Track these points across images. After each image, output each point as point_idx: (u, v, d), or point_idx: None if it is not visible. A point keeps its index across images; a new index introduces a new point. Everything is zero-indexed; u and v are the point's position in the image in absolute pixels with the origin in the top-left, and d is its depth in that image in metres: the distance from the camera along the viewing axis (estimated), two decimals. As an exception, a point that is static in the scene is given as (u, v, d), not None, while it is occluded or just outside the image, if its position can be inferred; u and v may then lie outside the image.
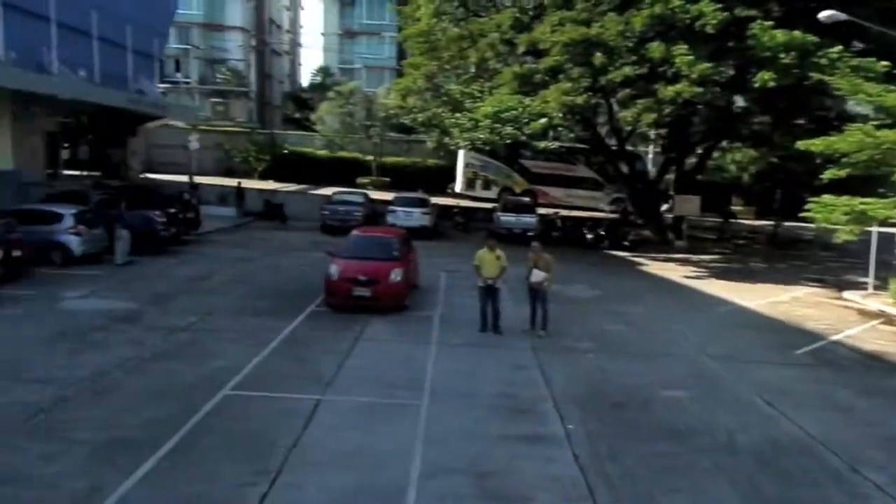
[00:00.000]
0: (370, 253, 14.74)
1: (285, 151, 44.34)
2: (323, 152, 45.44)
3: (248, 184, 35.01)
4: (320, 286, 14.35)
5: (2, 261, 13.62)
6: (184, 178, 33.23)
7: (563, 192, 36.75)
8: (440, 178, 42.88)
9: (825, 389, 10.56)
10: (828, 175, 16.83)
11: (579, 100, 20.49)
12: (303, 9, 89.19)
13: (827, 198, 16.75)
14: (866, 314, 17.01)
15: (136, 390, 8.90)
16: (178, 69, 57.97)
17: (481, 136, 22.30)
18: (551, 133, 22.14)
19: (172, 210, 21.32)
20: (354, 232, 16.62)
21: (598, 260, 24.26)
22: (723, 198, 43.72)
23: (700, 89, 19.07)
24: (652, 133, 37.84)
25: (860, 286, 20.28)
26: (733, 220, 37.07)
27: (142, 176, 34.00)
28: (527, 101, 22.01)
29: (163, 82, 48.79)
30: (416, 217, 26.88)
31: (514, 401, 9.26)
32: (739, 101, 23.97)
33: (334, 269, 14.06)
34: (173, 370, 9.79)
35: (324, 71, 62.71)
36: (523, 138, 21.63)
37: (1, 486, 6.23)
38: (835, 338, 14.20)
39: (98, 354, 10.27)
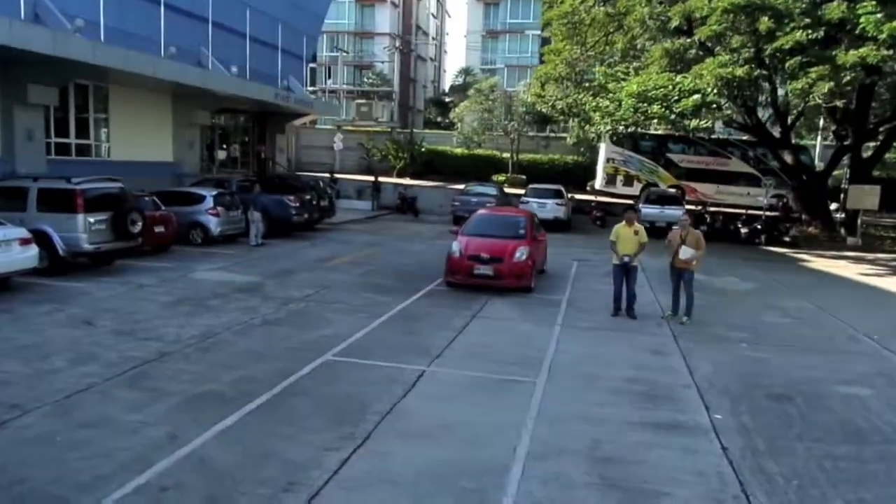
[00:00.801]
0: (495, 231, 13.82)
1: (422, 149, 44.65)
2: (459, 150, 45.27)
3: (385, 180, 35.46)
4: (442, 268, 13.62)
5: (140, 232, 14.11)
6: (325, 175, 34.35)
7: (714, 189, 33.76)
8: (579, 175, 41.20)
9: None
10: None
11: (739, 72, 18.22)
12: (449, 16, 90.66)
13: None
14: None
15: (239, 350, 8.57)
16: (329, 75, 60.97)
17: (624, 116, 20.52)
18: (704, 111, 19.85)
19: (307, 196, 21.65)
20: (480, 210, 15.78)
21: (752, 255, 21.69)
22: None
23: (889, 52, 16.23)
24: (821, 121, 33.85)
25: None
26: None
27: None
28: (678, 78, 20.06)
29: (313, 86, 51.27)
30: (550, 208, 25.67)
31: (649, 386, 7.87)
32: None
33: (456, 246, 13.29)
34: (279, 334, 9.42)
35: (465, 72, 62.98)
36: (672, 117, 19.62)
37: (83, 429, 5.95)
38: None
39: (212, 317, 10.16)
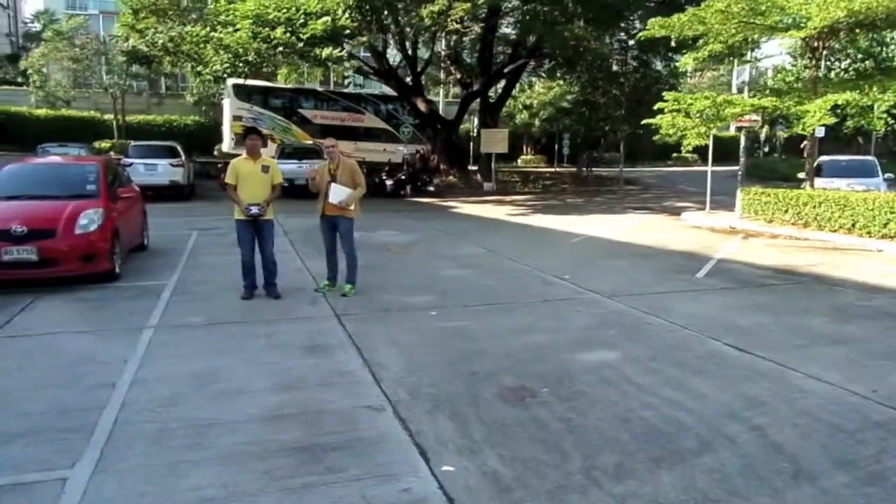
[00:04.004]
0: (41, 189, 8.63)
1: (-17, 111, 33.76)
2: (42, 111, 35.47)
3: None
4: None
5: None
6: None
7: (352, 146, 31.91)
8: (204, 138, 35.82)
9: (789, 319, 6.91)
10: (685, 61, 13.85)
11: (372, -13, 15.57)
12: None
13: (677, 95, 13.73)
14: (721, 231, 14.51)
15: None
16: None
17: (242, 43, 16.19)
18: (339, 48, 16.79)
19: None
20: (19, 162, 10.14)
21: (402, 207, 19.87)
22: (513, 148, 42.36)
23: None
24: (442, 74, 34.38)
25: (688, 209, 18.34)
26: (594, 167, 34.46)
27: None
28: (302, 0, 16.63)
29: None
30: (163, 171, 20.26)
31: (308, 428, 4.18)
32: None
33: (-34, 221, 7.77)
34: None
35: (44, 15, 50.10)
36: (300, 45, 16.04)
37: None
38: (719, 256, 11.09)
39: None
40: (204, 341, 6.01)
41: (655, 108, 13.89)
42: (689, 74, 39.97)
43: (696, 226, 15.57)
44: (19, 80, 46.76)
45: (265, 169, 7.53)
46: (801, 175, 16.91)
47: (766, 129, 39.73)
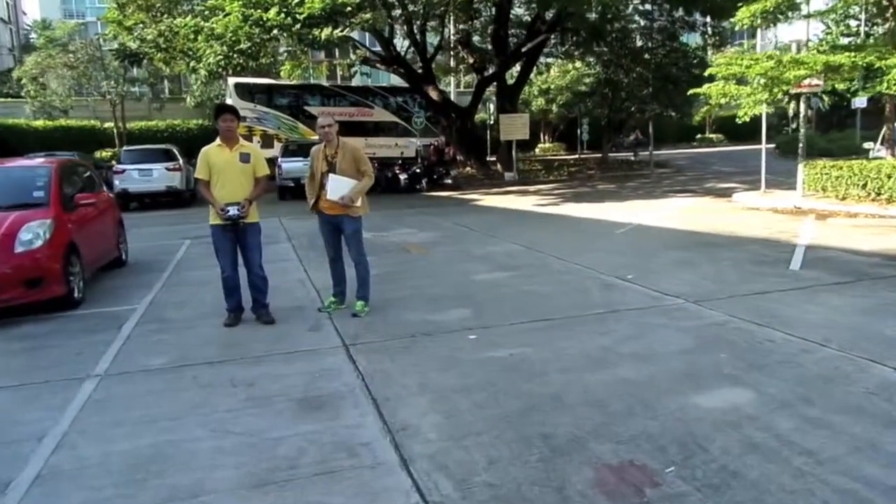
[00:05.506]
0: (-24, 199, 7.00)
1: (-25, 124, 32.53)
2: (40, 122, 34.26)
3: None
4: None
5: None
6: None
7: (362, 142, 30.28)
8: (208, 142, 34.37)
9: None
10: (741, 16, 11.98)
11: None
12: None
13: (731, 57, 11.88)
14: (785, 212, 12.66)
15: None
16: None
17: (232, 27, 14.55)
18: (340, 28, 15.03)
19: None
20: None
21: (419, 202, 18.21)
22: (531, 136, 40.42)
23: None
24: (452, 60, 32.62)
25: (735, 190, 16.47)
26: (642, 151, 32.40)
27: None
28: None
29: None
30: (159, 176, 18.78)
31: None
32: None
33: None
34: None
35: (42, 25, 48.95)
36: (297, 27, 14.36)
37: None
38: (804, 242, 9.26)
39: None
40: (160, 397, 4.33)
41: (707, 73, 12.05)
42: (710, 48, 37.84)
43: (753, 207, 13.69)
44: (21, 93, 45.84)
45: (245, 158, 5.84)
46: (868, 145, 14.99)
47: (792, 103, 37.61)
